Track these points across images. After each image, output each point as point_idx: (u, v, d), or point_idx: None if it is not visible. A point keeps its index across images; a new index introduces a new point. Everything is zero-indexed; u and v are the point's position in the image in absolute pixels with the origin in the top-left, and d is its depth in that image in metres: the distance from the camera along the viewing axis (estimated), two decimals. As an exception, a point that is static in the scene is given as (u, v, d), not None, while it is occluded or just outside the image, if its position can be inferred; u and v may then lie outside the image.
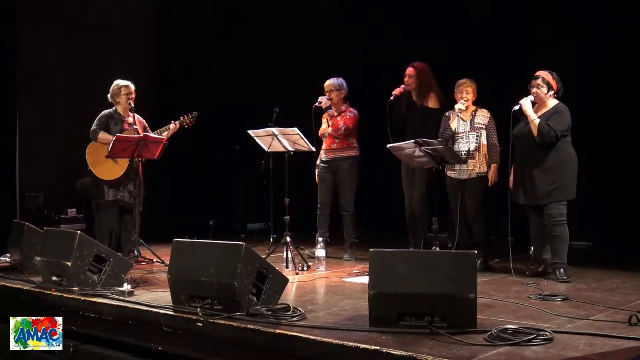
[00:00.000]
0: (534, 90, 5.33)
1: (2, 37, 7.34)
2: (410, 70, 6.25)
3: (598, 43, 6.91)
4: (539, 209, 5.34)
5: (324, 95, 6.48)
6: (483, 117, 5.83)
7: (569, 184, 5.26)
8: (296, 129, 5.95)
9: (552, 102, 5.35)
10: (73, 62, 7.91)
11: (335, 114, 6.50)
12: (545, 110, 5.34)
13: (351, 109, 6.53)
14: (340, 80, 6.52)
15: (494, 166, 5.76)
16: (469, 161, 5.76)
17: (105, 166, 6.40)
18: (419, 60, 6.34)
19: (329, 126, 6.50)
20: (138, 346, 4.27)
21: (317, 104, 6.41)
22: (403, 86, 6.20)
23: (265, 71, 8.79)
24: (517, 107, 5.34)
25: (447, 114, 5.93)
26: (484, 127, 5.79)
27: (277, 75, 8.72)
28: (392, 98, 6.14)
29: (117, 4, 8.45)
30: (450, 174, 5.88)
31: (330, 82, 6.52)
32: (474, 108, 5.88)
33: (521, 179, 5.40)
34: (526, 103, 5.30)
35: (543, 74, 5.36)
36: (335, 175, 6.56)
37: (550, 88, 5.32)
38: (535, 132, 5.23)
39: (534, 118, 5.25)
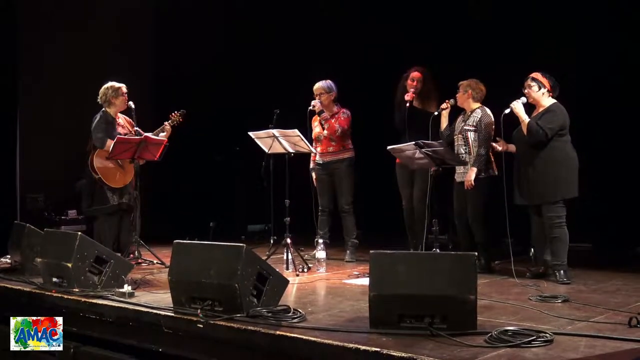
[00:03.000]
0: (526, 90, 5.36)
1: (2, 37, 7.35)
2: (417, 75, 6.20)
3: (598, 43, 6.91)
4: (538, 209, 5.34)
5: (314, 98, 6.39)
6: (474, 118, 5.71)
7: (564, 183, 5.24)
8: (296, 130, 5.92)
9: (548, 102, 5.35)
10: (73, 62, 7.92)
11: (328, 116, 6.41)
12: (540, 109, 5.35)
13: (344, 110, 6.47)
14: (329, 82, 6.43)
15: (471, 169, 5.61)
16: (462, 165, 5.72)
17: (114, 173, 6.28)
18: (418, 61, 6.33)
19: (323, 129, 6.43)
20: (138, 347, 4.28)
21: (310, 107, 6.34)
22: (412, 90, 6.16)
23: (265, 71, 8.79)
24: (507, 111, 5.36)
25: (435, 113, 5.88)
26: (473, 128, 5.69)
27: (277, 75, 8.71)
28: (407, 105, 6.10)
29: (117, 4, 8.45)
30: (455, 175, 5.86)
31: (319, 85, 6.42)
32: (475, 107, 5.77)
33: (518, 180, 5.42)
34: (516, 105, 5.33)
35: (533, 74, 5.37)
36: (332, 177, 6.52)
37: (541, 86, 5.31)
38: (525, 131, 5.27)
39: (524, 118, 5.29)
